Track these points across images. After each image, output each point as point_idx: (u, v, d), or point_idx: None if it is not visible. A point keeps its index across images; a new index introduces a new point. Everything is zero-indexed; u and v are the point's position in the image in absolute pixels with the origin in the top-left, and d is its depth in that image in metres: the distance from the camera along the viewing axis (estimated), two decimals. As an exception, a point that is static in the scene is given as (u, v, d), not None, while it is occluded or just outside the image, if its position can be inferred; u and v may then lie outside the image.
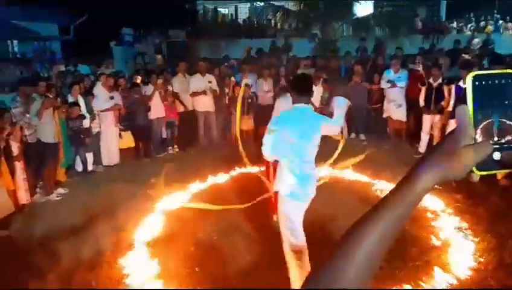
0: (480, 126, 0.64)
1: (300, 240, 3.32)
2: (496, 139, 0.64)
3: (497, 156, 0.64)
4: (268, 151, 3.33)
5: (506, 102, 0.64)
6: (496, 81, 0.64)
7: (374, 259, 0.65)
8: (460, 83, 6.41)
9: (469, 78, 0.64)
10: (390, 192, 0.67)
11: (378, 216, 0.66)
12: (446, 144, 0.66)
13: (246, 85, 7.91)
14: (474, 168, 0.64)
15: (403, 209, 0.66)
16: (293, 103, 3.41)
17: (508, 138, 0.64)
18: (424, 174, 0.65)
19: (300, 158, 3.29)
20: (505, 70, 0.65)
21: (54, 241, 4.56)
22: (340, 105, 3.57)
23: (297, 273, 3.26)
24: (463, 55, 9.75)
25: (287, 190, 3.33)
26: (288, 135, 3.24)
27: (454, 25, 16.74)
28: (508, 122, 0.64)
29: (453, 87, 6.63)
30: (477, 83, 0.64)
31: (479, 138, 0.64)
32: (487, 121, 0.64)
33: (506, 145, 0.64)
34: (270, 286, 3.51)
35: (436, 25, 16.63)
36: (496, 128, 0.64)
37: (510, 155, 0.64)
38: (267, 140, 3.31)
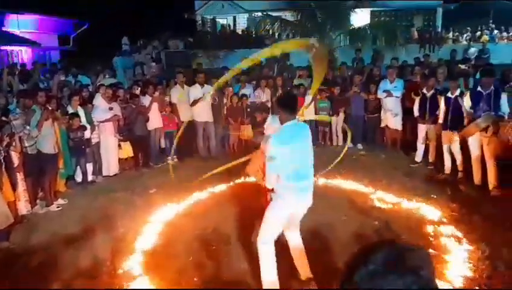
0: None
1: None
2: None
3: None
4: (273, 181, 3.35)
5: None
6: None
7: None
8: (449, 94, 6.48)
9: None
10: None
11: None
12: None
13: (243, 96, 8.00)
14: None
15: None
16: (283, 120, 3.42)
17: None
18: None
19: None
20: None
21: (54, 252, 4.60)
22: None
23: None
24: (459, 65, 9.86)
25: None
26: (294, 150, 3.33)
27: (450, 35, 16.91)
28: None
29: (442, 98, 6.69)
30: None
31: None
32: None
33: None
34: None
35: (432, 34, 16.81)
36: None
37: None
38: (271, 169, 3.32)
